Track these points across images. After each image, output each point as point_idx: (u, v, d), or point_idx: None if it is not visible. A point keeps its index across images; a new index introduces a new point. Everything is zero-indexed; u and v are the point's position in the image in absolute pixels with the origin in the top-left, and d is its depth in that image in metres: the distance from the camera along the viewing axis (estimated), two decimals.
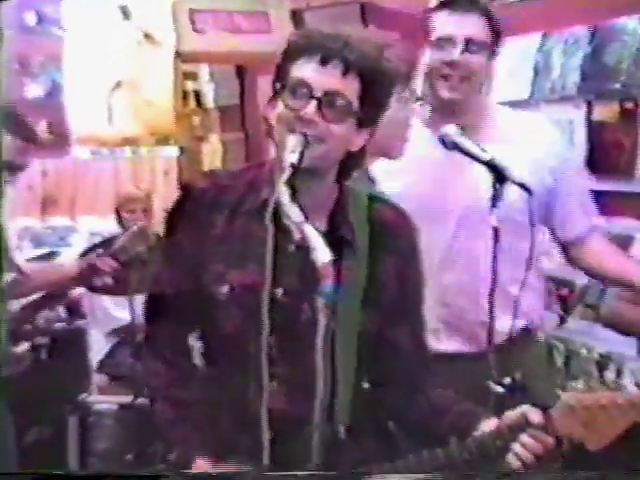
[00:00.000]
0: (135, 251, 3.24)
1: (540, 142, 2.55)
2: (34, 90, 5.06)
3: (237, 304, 1.75)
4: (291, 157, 1.65)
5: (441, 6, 2.46)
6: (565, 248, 2.69)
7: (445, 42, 2.41)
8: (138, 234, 3.29)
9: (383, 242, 1.81)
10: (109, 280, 3.24)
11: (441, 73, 2.42)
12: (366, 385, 1.82)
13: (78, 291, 3.85)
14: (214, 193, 1.80)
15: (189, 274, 1.79)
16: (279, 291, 1.74)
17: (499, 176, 2.15)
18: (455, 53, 2.40)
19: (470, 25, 2.41)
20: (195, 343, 1.85)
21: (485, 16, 2.42)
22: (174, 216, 1.85)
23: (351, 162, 1.78)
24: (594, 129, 3.81)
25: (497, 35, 2.45)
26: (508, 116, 2.64)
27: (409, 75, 2.21)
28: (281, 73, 1.73)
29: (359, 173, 1.91)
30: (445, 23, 2.43)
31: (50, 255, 4.61)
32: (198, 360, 1.84)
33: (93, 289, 3.68)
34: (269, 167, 1.79)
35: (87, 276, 3.25)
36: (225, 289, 1.75)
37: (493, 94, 2.76)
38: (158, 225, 4.13)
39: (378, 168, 2.29)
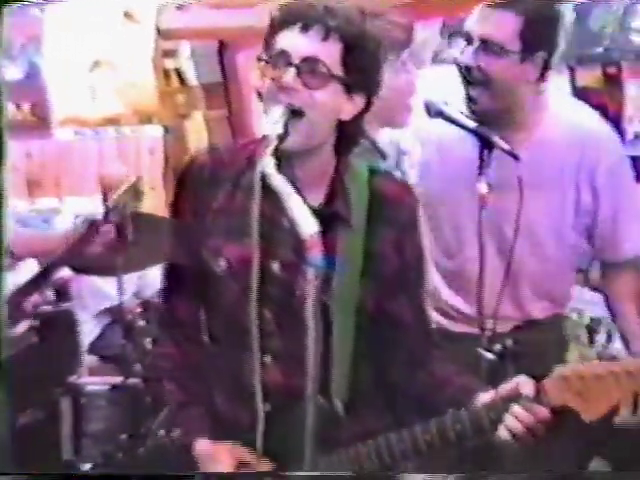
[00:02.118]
0: (128, 207, 3.22)
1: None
2: (13, 73, 5.01)
3: (234, 278, 1.75)
4: (276, 128, 1.64)
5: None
6: (605, 266, 2.57)
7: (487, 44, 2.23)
8: (130, 189, 3.26)
9: (383, 215, 1.80)
10: (101, 248, 3.21)
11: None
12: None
13: (66, 273, 3.83)
14: (215, 168, 1.80)
15: (192, 249, 1.80)
16: (275, 265, 1.74)
17: (486, 144, 2.15)
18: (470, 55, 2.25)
19: (505, 25, 2.23)
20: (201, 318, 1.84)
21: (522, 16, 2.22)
22: (176, 193, 1.85)
23: (347, 132, 1.77)
24: (579, 95, 3.81)
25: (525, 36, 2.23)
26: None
27: (404, 41, 2.17)
28: (266, 49, 1.73)
29: (364, 146, 1.89)
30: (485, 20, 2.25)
31: None
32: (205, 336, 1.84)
33: (80, 270, 3.67)
34: (266, 142, 1.78)
35: (72, 257, 3.22)
36: (222, 263, 1.76)
37: None
38: (146, 206, 4.11)
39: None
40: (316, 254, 1.54)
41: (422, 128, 2.40)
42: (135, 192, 3.28)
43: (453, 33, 2.32)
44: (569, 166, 2.37)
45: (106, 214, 3.19)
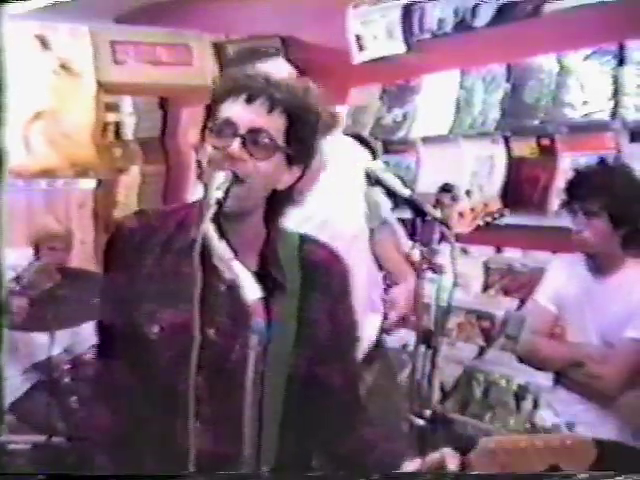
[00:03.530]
0: (43, 287, 3.19)
1: None
2: None
3: (168, 343, 1.73)
4: (217, 194, 1.64)
5: None
6: None
7: None
8: (41, 271, 3.24)
9: (314, 281, 1.81)
10: (21, 317, 3.17)
11: None
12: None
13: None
14: (144, 232, 1.79)
15: (123, 314, 1.77)
16: (211, 331, 1.73)
17: (418, 212, 2.18)
18: None
19: None
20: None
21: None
22: (106, 256, 1.83)
23: (279, 201, 1.78)
24: (513, 165, 3.90)
25: None
26: None
27: (330, 125, 2.23)
28: (211, 116, 1.74)
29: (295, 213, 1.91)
30: None
31: None
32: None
33: (10, 327, 3.59)
34: (199, 207, 1.77)
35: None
36: (156, 328, 1.74)
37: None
38: (77, 260, 4.06)
39: None
40: (259, 320, 1.53)
41: None
42: (46, 273, 3.26)
43: None
44: None
45: (23, 290, 3.17)
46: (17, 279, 3.32)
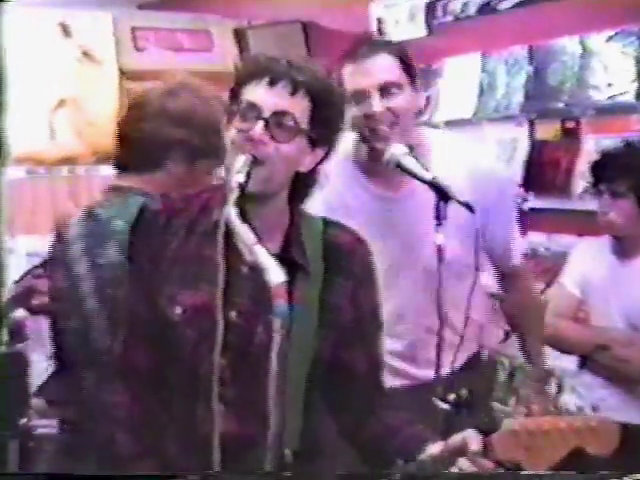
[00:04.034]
0: None
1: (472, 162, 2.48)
2: None
3: (190, 325, 1.74)
4: (238, 177, 1.65)
5: (347, 59, 2.33)
6: (502, 276, 2.70)
7: (360, 95, 2.29)
8: None
9: (337, 266, 1.81)
10: (46, 299, 3.18)
11: (368, 126, 2.31)
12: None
13: (20, 314, 3.77)
14: (168, 215, 1.80)
15: (147, 296, 1.78)
16: (233, 313, 1.73)
17: (442, 195, 2.17)
18: (373, 105, 2.29)
19: (380, 70, 2.31)
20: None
21: (393, 55, 2.32)
22: (131, 240, 1.86)
23: (302, 184, 1.78)
24: (536, 147, 3.88)
25: (410, 68, 2.34)
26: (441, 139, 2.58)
27: None
28: (233, 98, 1.75)
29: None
30: (355, 75, 2.31)
31: None
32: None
33: (33, 311, 3.61)
34: (221, 190, 1.78)
35: (24, 299, 3.19)
36: (178, 310, 1.75)
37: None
38: None
39: None
40: (282, 304, 1.54)
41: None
42: None
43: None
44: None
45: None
46: (44, 263, 3.33)
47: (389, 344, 2.38)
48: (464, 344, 2.29)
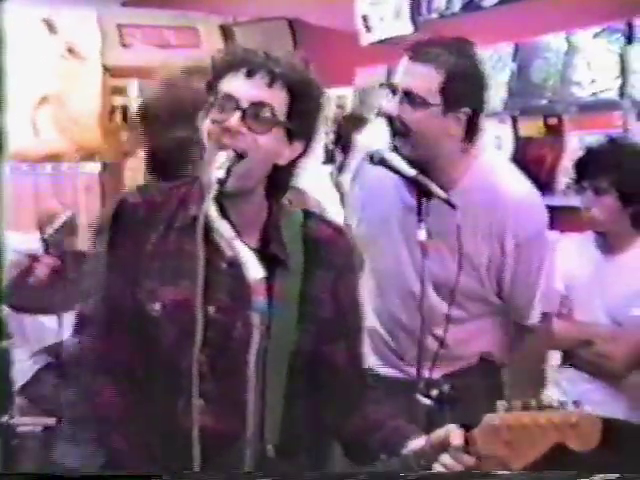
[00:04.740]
0: (65, 242, 3.17)
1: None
2: None
3: (170, 321, 1.73)
4: (218, 173, 1.64)
5: (407, 51, 2.30)
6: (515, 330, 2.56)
7: (390, 89, 2.29)
8: (66, 224, 3.22)
9: (318, 259, 1.80)
10: (43, 276, 3.15)
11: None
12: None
13: (4, 311, 3.76)
14: (148, 208, 1.78)
15: (125, 290, 1.76)
16: (211, 308, 1.73)
17: (424, 192, 2.17)
18: (388, 104, 2.28)
19: (415, 77, 2.26)
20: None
21: (442, 73, 2.24)
22: (108, 232, 1.81)
23: (280, 178, 1.77)
24: (519, 144, 3.88)
25: (452, 93, 2.25)
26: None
27: None
28: (210, 91, 1.73)
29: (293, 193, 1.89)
30: (401, 69, 2.29)
31: None
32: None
33: (19, 309, 3.60)
34: (199, 184, 1.77)
35: (23, 276, 3.16)
36: (157, 306, 1.74)
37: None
38: (83, 243, 4.06)
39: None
40: (261, 299, 1.54)
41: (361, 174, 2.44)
42: (70, 227, 3.24)
43: (382, 83, 2.41)
44: (482, 227, 2.36)
45: (46, 247, 3.15)
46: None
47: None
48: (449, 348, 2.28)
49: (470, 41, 2.35)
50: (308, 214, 1.86)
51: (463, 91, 2.26)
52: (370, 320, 2.35)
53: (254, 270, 1.54)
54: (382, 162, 2.25)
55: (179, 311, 1.71)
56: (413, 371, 2.29)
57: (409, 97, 2.26)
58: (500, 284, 2.43)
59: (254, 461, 1.66)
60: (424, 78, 2.25)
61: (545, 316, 2.55)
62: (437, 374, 2.28)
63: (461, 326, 2.38)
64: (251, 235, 1.73)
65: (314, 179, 2.21)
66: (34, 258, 3.13)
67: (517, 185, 2.43)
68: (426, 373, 2.20)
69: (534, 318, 2.51)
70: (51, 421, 3.37)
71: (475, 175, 2.36)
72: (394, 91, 2.28)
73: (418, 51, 2.28)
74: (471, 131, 2.31)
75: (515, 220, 2.36)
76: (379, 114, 2.36)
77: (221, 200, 1.64)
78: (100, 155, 5.10)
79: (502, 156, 3.17)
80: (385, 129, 2.31)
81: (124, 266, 1.77)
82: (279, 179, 1.77)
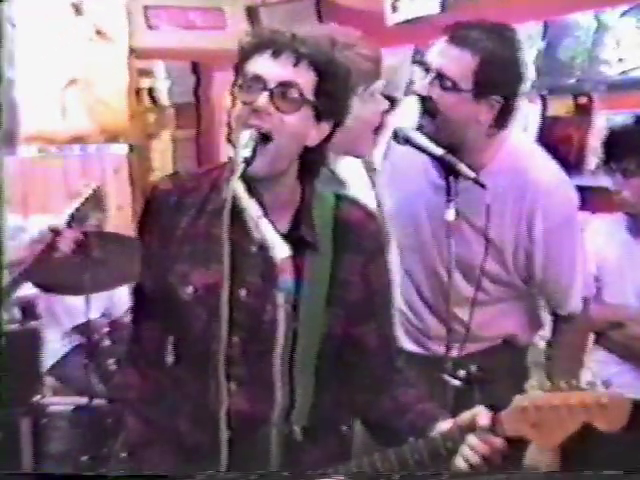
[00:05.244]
0: (91, 216, 3.18)
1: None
2: None
3: (201, 304, 1.74)
4: (244, 152, 1.64)
5: (444, 33, 2.27)
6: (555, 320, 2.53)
7: (425, 69, 2.26)
8: (92, 198, 3.22)
9: (348, 242, 1.79)
10: (68, 249, 3.15)
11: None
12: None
13: (31, 291, 3.79)
14: (179, 195, 1.79)
15: (159, 274, 1.78)
16: (242, 291, 1.73)
17: (452, 171, 2.16)
18: (421, 83, 2.26)
19: (449, 61, 2.23)
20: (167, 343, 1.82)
21: (476, 58, 2.21)
22: (142, 220, 1.85)
23: (311, 159, 1.76)
24: (547, 124, 3.85)
25: (486, 79, 2.22)
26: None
27: (373, 73, 2.14)
28: (238, 74, 1.73)
29: (325, 175, 1.88)
30: (436, 49, 2.27)
31: None
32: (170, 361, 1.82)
33: (47, 288, 3.63)
34: (230, 167, 1.77)
35: (48, 252, 3.16)
36: (189, 289, 1.75)
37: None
38: (114, 225, 4.09)
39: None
40: (287, 278, 1.54)
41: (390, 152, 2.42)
42: (97, 201, 3.24)
43: (416, 61, 2.36)
44: (510, 210, 2.35)
45: (69, 221, 3.14)
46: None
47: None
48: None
49: (512, 28, 2.31)
50: (340, 197, 1.86)
51: (497, 79, 2.23)
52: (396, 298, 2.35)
53: (280, 249, 1.54)
54: (408, 141, 2.23)
55: (211, 295, 1.71)
56: (438, 348, 2.31)
57: (441, 79, 2.24)
58: (529, 270, 2.41)
59: (281, 444, 1.68)
60: (459, 62, 2.23)
61: (584, 302, 2.51)
62: (462, 354, 2.26)
63: (484, 308, 2.36)
64: (283, 217, 1.74)
65: (345, 161, 2.20)
66: (57, 232, 3.12)
67: (547, 170, 2.41)
68: (453, 353, 2.19)
69: (573, 306, 2.48)
70: (82, 400, 3.40)
71: (504, 158, 2.34)
72: (427, 70, 2.26)
73: (457, 33, 2.25)
74: (502, 118, 2.28)
75: (545, 205, 2.34)
76: (409, 92, 2.34)
77: (251, 182, 1.64)
78: (125, 137, 5.11)
79: (530, 139, 3.12)
80: (415, 108, 2.29)
81: (156, 252, 1.79)
82: (309, 161, 1.77)
